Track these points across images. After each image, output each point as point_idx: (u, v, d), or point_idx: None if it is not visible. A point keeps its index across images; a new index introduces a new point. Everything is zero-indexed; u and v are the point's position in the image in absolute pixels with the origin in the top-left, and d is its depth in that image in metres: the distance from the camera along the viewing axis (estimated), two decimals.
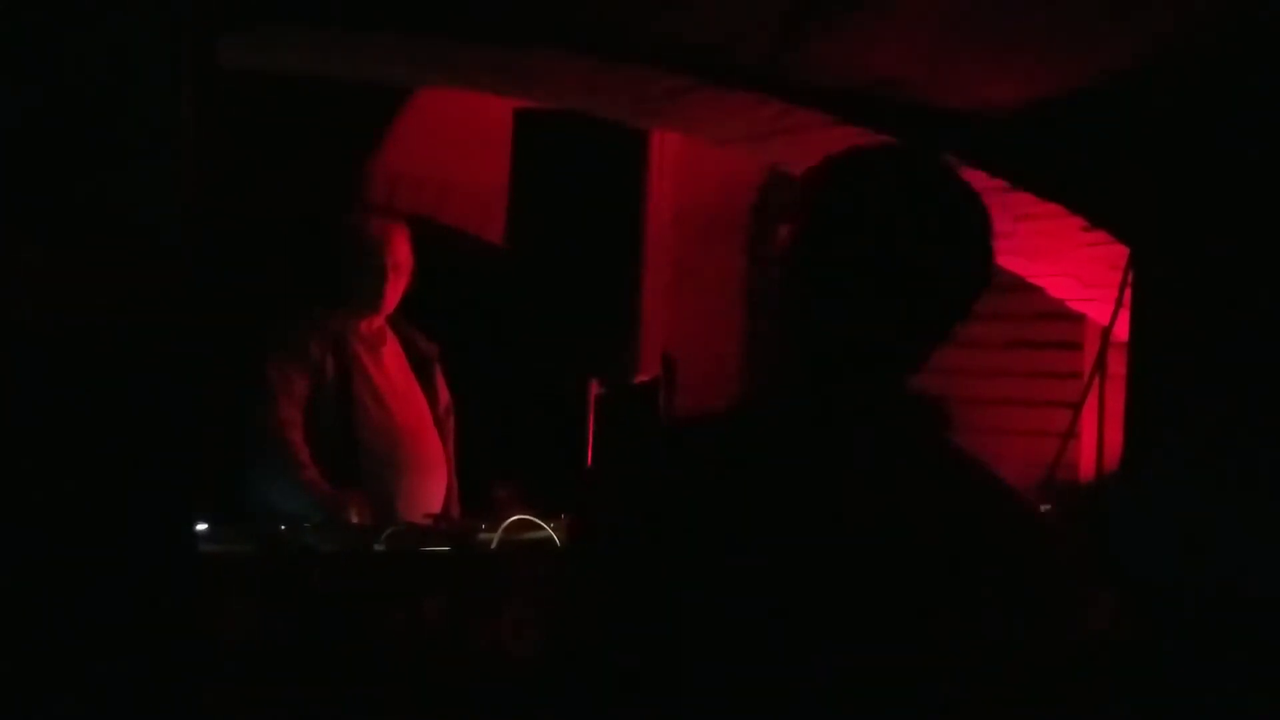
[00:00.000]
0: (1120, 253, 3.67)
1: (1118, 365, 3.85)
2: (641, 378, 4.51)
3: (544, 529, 3.65)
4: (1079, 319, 4.52)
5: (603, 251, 4.45)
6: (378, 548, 3.52)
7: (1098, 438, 4.23)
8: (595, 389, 4.43)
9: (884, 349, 1.56)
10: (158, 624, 2.39)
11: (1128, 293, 3.55)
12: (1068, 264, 4.07)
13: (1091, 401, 4.13)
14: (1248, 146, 3.30)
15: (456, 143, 5.02)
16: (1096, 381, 4.01)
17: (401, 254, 4.08)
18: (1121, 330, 3.70)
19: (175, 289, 2.38)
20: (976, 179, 3.76)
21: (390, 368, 4.14)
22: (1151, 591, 3.34)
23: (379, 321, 4.14)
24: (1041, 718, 1.53)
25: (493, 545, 3.57)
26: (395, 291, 4.09)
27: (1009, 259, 4.17)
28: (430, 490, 4.10)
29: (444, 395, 4.25)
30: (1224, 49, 3.32)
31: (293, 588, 3.28)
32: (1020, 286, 4.31)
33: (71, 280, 2.31)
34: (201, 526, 3.36)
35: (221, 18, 2.55)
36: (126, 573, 2.36)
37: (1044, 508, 3.79)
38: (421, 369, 4.21)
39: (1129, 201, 3.53)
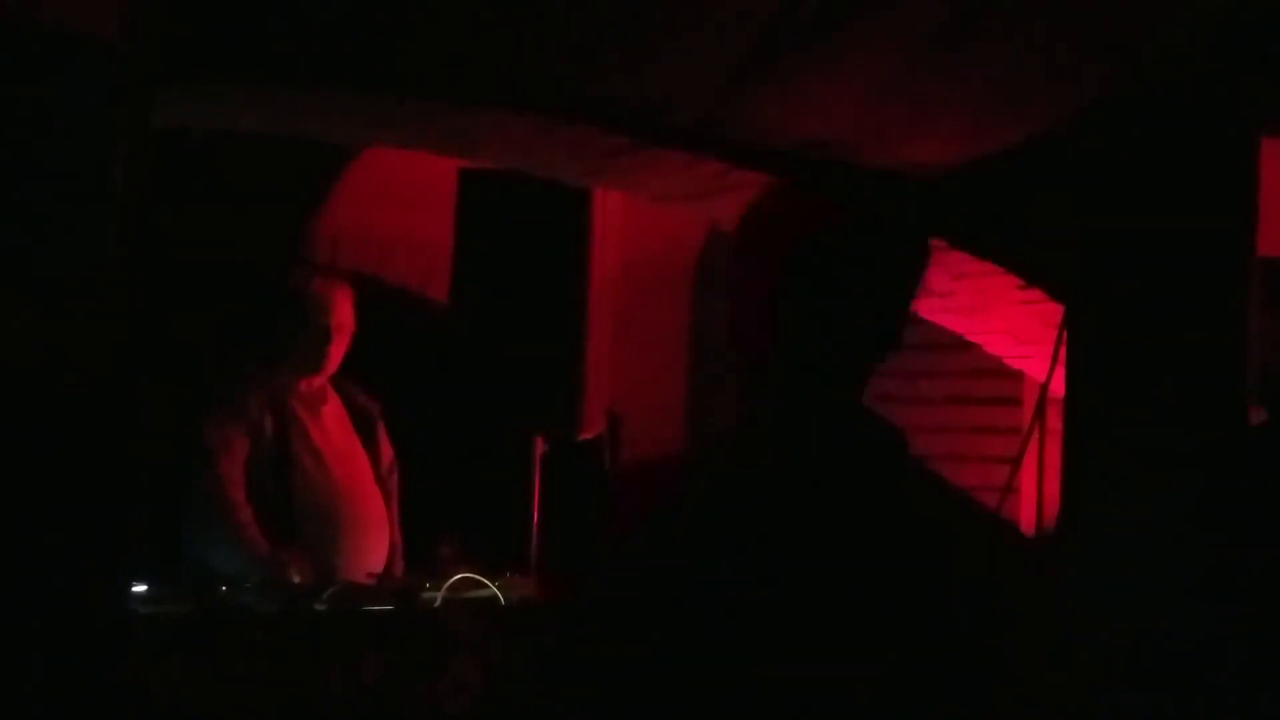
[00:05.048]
0: (1054, 310, 3.72)
1: (1058, 420, 3.89)
2: (586, 434, 4.52)
3: (488, 587, 3.65)
4: (1018, 375, 4.57)
5: (546, 309, 4.47)
6: (319, 607, 3.50)
7: (1037, 492, 4.27)
8: (540, 445, 4.44)
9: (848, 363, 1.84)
10: (89, 686, 2.37)
11: (1063, 349, 3.59)
12: (1003, 321, 4.12)
13: (1031, 457, 4.16)
14: (1175, 205, 3.37)
15: (400, 200, 5.03)
16: (1035, 436, 4.05)
17: (344, 315, 4.08)
18: (1059, 386, 3.73)
19: (105, 347, 2.38)
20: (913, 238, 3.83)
21: (330, 426, 4.12)
22: (1095, 638, 3.36)
23: (320, 380, 4.13)
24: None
25: (436, 603, 3.56)
26: (337, 352, 4.08)
27: (947, 317, 4.22)
28: (371, 548, 4.08)
29: (387, 453, 4.24)
30: (1151, 110, 3.39)
31: (233, 648, 3.25)
32: (959, 344, 4.36)
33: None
34: (140, 587, 3.34)
35: (160, 77, 2.56)
36: (58, 635, 2.34)
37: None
38: (363, 426, 4.19)
39: (1061, 259, 3.58)
